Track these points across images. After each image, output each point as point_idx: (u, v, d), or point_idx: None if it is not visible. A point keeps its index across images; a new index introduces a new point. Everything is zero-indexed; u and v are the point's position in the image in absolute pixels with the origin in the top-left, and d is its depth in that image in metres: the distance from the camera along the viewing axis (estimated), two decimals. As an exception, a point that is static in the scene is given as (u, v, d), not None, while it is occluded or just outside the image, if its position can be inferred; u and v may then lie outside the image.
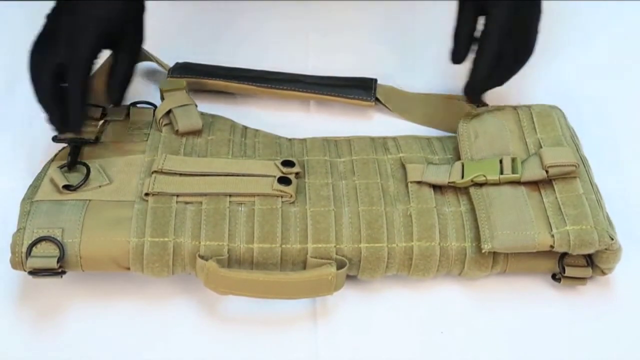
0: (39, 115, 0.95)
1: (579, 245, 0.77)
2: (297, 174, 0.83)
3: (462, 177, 0.82)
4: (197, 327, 0.80)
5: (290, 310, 0.80)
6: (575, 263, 0.80)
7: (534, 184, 0.82)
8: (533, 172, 0.81)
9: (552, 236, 0.77)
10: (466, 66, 0.85)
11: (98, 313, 0.80)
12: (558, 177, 0.81)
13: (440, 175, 0.83)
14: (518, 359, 0.78)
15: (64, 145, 0.87)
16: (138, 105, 0.90)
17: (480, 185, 0.82)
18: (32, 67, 0.82)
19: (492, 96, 0.93)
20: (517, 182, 0.82)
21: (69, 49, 0.80)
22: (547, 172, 0.81)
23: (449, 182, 0.82)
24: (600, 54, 1.05)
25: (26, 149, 0.93)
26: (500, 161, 0.83)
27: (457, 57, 0.87)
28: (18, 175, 0.89)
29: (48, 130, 0.89)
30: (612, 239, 0.77)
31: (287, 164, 0.84)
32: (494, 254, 0.80)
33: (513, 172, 0.81)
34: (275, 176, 0.82)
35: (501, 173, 0.82)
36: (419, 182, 0.83)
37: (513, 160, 0.82)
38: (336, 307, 0.81)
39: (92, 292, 0.81)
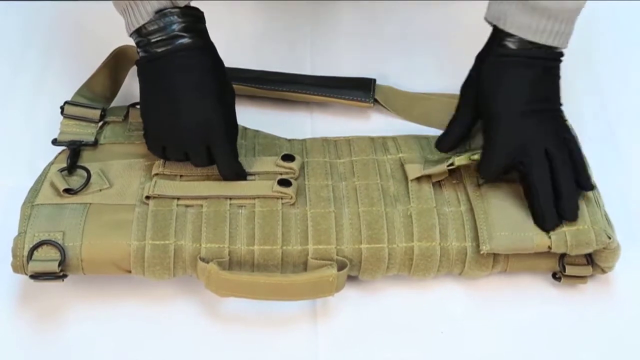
0: (39, 116, 0.97)
1: (577, 245, 0.77)
2: (296, 177, 0.83)
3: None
4: (198, 328, 0.80)
5: (291, 311, 0.81)
6: (575, 262, 0.80)
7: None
8: None
9: (550, 237, 0.77)
10: (466, 66, 0.84)
11: (99, 315, 0.80)
12: None
13: (438, 165, 0.83)
14: (519, 357, 0.79)
15: (64, 147, 0.87)
16: (137, 106, 0.90)
17: (479, 184, 0.82)
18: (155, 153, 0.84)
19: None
20: (515, 182, 0.82)
21: (183, 154, 0.81)
22: None
23: (447, 167, 0.82)
24: (600, 54, 1.05)
25: (26, 149, 0.93)
26: None
27: (443, 146, 0.85)
28: (18, 175, 0.89)
29: (48, 131, 0.90)
30: (610, 238, 0.77)
31: (287, 157, 0.84)
32: (495, 254, 0.80)
33: None
34: (275, 178, 0.82)
35: None
36: (419, 182, 0.83)
37: None
38: (337, 308, 0.81)
39: (93, 295, 0.81)
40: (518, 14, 0.77)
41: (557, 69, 0.81)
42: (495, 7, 0.79)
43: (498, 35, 0.80)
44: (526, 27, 0.77)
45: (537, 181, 0.78)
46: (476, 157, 0.81)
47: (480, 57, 0.82)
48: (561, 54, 0.81)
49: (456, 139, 0.83)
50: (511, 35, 0.79)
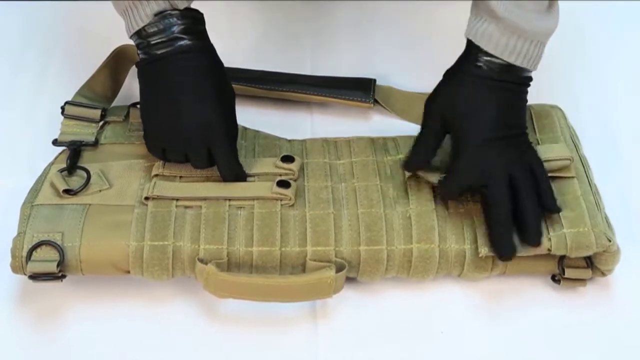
0: (39, 116, 0.96)
1: (576, 248, 0.77)
2: (295, 179, 0.83)
3: None
4: (197, 329, 0.80)
5: (290, 312, 0.81)
6: (575, 264, 0.80)
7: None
8: None
9: (549, 239, 0.77)
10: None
11: (98, 316, 0.80)
12: (556, 176, 0.81)
13: (433, 177, 0.82)
14: (518, 359, 0.78)
15: (64, 147, 0.87)
16: (138, 106, 0.90)
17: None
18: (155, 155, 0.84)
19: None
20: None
21: (183, 155, 0.81)
22: None
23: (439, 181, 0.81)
24: (601, 54, 1.05)
25: (26, 149, 0.94)
26: None
27: (409, 168, 0.83)
28: (18, 175, 0.89)
29: (48, 131, 0.90)
30: (610, 241, 0.77)
31: (287, 159, 0.84)
32: (494, 256, 0.80)
33: None
34: (274, 180, 0.82)
35: None
36: (418, 184, 0.83)
37: None
38: (336, 309, 0.81)
39: (91, 296, 0.81)
40: (495, 32, 0.77)
41: (525, 94, 0.81)
42: (473, 24, 0.79)
43: (471, 53, 0.79)
44: (500, 45, 0.77)
45: (497, 206, 0.77)
46: None
47: (450, 73, 0.81)
48: (530, 79, 0.81)
49: (422, 161, 0.81)
50: (484, 55, 0.78)
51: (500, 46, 0.77)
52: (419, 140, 0.82)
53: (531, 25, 0.77)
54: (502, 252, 0.77)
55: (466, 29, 0.79)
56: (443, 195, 0.81)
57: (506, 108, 0.79)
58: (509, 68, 0.78)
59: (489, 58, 0.78)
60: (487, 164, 0.77)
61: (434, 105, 0.81)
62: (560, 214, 0.79)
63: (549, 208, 0.78)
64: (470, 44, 0.79)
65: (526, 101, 0.82)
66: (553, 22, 0.80)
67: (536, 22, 0.77)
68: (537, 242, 0.77)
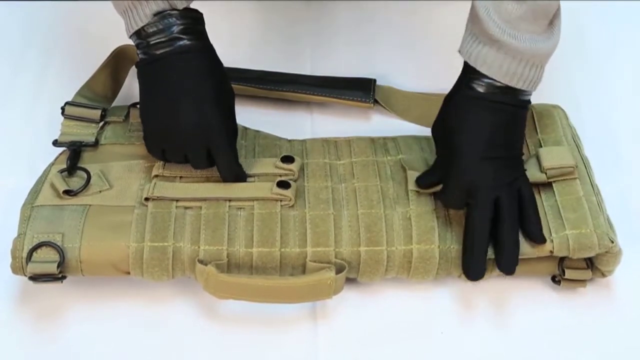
0: (39, 116, 0.96)
1: (579, 249, 0.77)
2: (295, 179, 0.83)
3: None
4: (197, 329, 0.80)
5: (290, 312, 0.81)
6: (575, 265, 0.80)
7: (534, 187, 0.81)
8: (533, 174, 0.81)
9: (552, 241, 0.77)
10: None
11: (98, 316, 0.80)
12: (558, 178, 0.81)
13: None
14: (518, 360, 0.79)
15: (64, 148, 0.87)
16: (138, 106, 0.90)
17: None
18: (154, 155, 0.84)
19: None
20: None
21: (183, 156, 0.81)
22: (546, 174, 0.81)
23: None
24: (601, 54, 1.05)
25: (26, 149, 0.94)
26: None
27: (422, 186, 0.83)
28: (18, 176, 0.89)
29: (48, 131, 0.90)
30: (612, 242, 0.77)
31: (287, 159, 0.84)
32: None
33: None
34: (274, 180, 0.82)
35: None
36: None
37: None
38: (336, 309, 0.81)
39: (91, 296, 0.81)
40: (491, 54, 0.76)
41: (524, 116, 0.80)
42: (469, 44, 0.78)
43: (467, 76, 0.79)
44: (497, 67, 0.76)
45: (475, 232, 0.77)
46: None
47: (448, 96, 0.81)
48: (528, 102, 0.80)
49: (434, 183, 0.81)
50: (481, 77, 0.77)
51: (495, 68, 0.76)
52: (435, 164, 0.82)
53: (529, 48, 0.75)
54: (470, 276, 0.78)
55: (461, 47, 0.79)
56: (445, 205, 0.81)
57: (501, 129, 0.78)
58: (507, 90, 0.77)
59: (485, 80, 0.77)
60: (475, 184, 0.77)
61: (437, 129, 0.82)
62: (563, 215, 0.79)
63: (532, 237, 0.78)
64: (466, 65, 0.79)
65: (524, 124, 0.81)
66: (552, 43, 0.78)
67: (534, 44, 0.76)
68: (509, 271, 0.77)
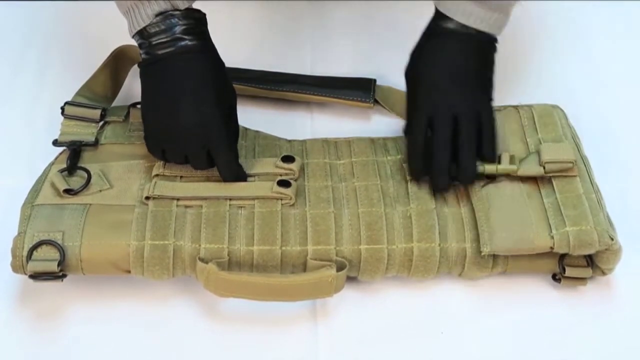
0: (39, 116, 0.97)
1: (579, 246, 0.77)
2: (296, 178, 0.83)
3: None
4: (197, 328, 0.80)
5: (290, 311, 0.81)
6: (575, 263, 0.80)
7: (534, 184, 0.82)
8: (531, 167, 0.81)
9: (552, 237, 0.77)
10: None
11: (98, 315, 0.80)
12: (557, 175, 0.81)
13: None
14: (518, 358, 0.78)
15: (64, 147, 0.87)
16: (138, 106, 0.90)
17: (481, 186, 0.82)
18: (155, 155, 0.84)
19: (494, 96, 0.92)
20: (517, 181, 0.82)
21: (183, 157, 0.82)
22: (544, 168, 0.81)
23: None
24: (601, 54, 1.05)
25: (26, 149, 0.94)
26: (499, 157, 0.83)
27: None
28: (18, 176, 0.89)
29: (48, 131, 0.90)
30: (612, 239, 0.77)
31: (287, 159, 0.84)
32: (494, 255, 0.80)
33: (511, 164, 0.82)
34: (274, 179, 0.82)
35: (499, 164, 0.82)
36: (418, 183, 0.83)
37: (511, 157, 0.83)
38: (336, 308, 0.81)
39: (92, 295, 0.81)
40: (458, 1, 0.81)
41: (491, 51, 0.85)
42: None
43: (436, 19, 0.84)
44: (460, 11, 0.81)
45: (439, 141, 0.81)
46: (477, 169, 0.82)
47: (419, 41, 0.86)
48: (495, 40, 0.85)
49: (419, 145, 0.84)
50: (448, 18, 0.82)
51: (459, 12, 0.81)
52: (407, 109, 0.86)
53: None
54: (439, 183, 0.82)
55: None
56: (410, 140, 0.84)
57: (469, 57, 0.83)
58: (472, 29, 0.82)
59: (450, 22, 0.82)
60: (442, 101, 0.82)
61: (406, 72, 0.86)
62: (563, 212, 0.79)
63: (487, 157, 0.82)
64: (436, 10, 0.84)
65: (491, 64, 0.85)
66: None
67: None
68: (468, 181, 0.82)
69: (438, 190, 0.82)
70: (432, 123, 0.82)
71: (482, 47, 0.84)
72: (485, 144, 0.82)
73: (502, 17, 0.83)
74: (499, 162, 0.82)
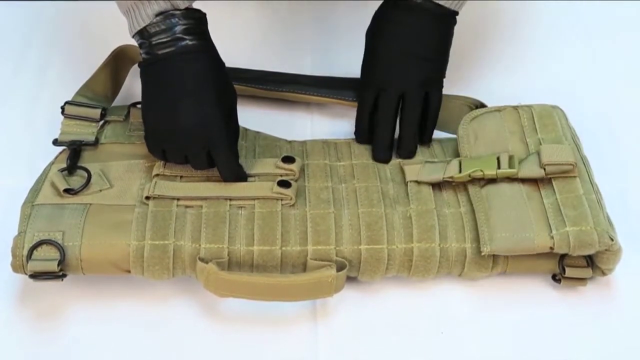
0: (39, 116, 0.97)
1: (579, 246, 0.77)
2: (296, 179, 0.84)
3: (460, 172, 0.82)
4: (197, 328, 0.80)
5: (290, 311, 0.81)
6: (575, 264, 0.80)
7: (534, 184, 0.82)
8: (531, 169, 0.81)
9: (552, 238, 0.77)
10: (466, 67, 0.84)
11: (98, 315, 0.80)
12: (557, 176, 0.81)
13: (437, 171, 0.84)
14: (518, 358, 0.78)
15: (64, 147, 0.87)
16: (138, 106, 0.90)
17: (481, 186, 0.82)
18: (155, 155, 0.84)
19: (494, 96, 0.93)
20: (517, 182, 0.82)
21: (183, 157, 0.82)
22: (544, 169, 0.81)
23: (444, 178, 0.83)
24: (601, 54, 1.05)
25: (26, 149, 0.94)
26: (498, 158, 0.83)
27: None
28: (18, 175, 0.89)
29: (48, 131, 0.90)
30: (612, 240, 0.77)
31: (287, 159, 0.84)
32: (494, 255, 0.80)
33: (510, 168, 0.82)
34: (275, 180, 0.82)
35: (498, 168, 0.82)
36: (418, 184, 0.83)
37: (510, 157, 0.83)
38: (336, 308, 0.81)
39: (92, 295, 0.81)
40: None
41: (450, 25, 0.87)
42: None
43: None
44: None
45: (381, 117, 0.87)
46: (476, 173, 0.82)
47: (378, 10, 0.88)
48: (455, 13, 0.86)
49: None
50: None
51: None
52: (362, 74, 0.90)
53: None
54: (378, 155, 0.87)
55: None
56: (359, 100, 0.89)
57: (426, 31, 0.86)
58: (431, 2, 0.84)
59: None
60: (387, 79, 0.86)
61: (366, 35, 0.89)
62: (563, 212, 0.79)
63: (422, 138, 0.89)
64: None
65: (448, 37, 0.87)
66: None
67: None
68: (406, 156, 0.87)
69: (378, 162, 0.87)
70: (379, 96, 0.87)
71: (443, 21, 0.86)
72: (427, 127, 0.89)
73: None
74: (499, 165, 0.82)
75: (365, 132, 0.89)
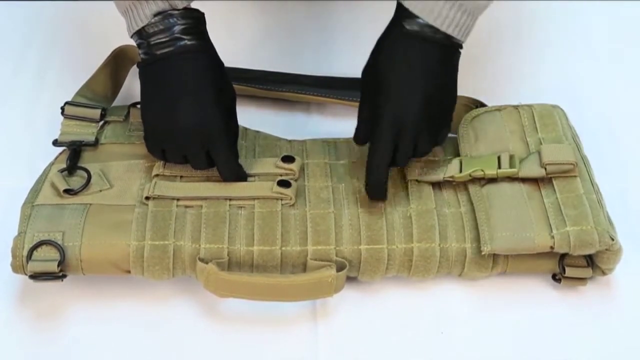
0: (39, 116, 0.97)
1: (579, 245, 0.77)
2: (296, 179, 0.84)
3: (461, 172, 0.82)
4: (197, 328, 0.80)
5: (290, 311, 0.81)
6: (575, 263, 0.80)
7: (535, 184, 0.82)
8: (531, 169, 0.81)
9: (552, 237, 0.77)
10: (465, 67, 0.84)
11: (98, 316, 0.80)
12: (558, 175, 0.81)
13: (438, 171, 0.84)
14: (518, 358, 0.78)
15: (64, 147, 0.87)
16: (138, 106, 0.90)
17: (481, 185, 0.82)
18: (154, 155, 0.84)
19: (494, 96, 0.93)
20: (517, 181, 0.82)
21: (182, 157, 0.81)
22: (545, 169, 0.81)
23: (445, 178, 0.83)
24: (601, 54, 1.05)
25: (26, 149, 0.94)
26: (499, 158, 0.83)
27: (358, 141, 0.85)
28: (18, 176, 0.89)
29: (48, 131, 0.90)
30: (613, 240, 0.77)
31: (287, 159, 0.84)
32: (494, 255, 0.80)
33: (511, 167, 0.82)
34: (274, 179, 0.82)
35: (499, 168, 0.82)
36: (418, 184, 0.83)
37: (511, 157, 0.83)
38: (336, 308, 0.81)
39: (92, 295, 0.81)
40: None
41: (456, 59, 0.81)
42: None
43: (400, 16, 0.79)
44: (428, 10, 0.77)
45: (377, 154, 0.79)
46: (477, 173, 0.82)
47: (380, 38, 0.82)
48: (460, 46, 0.80)
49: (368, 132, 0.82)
50: (412, 18, 0.78)
51: (425, 9, 0.77)
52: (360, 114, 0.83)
53: None
54: (370, 195, 0.80)
55: None
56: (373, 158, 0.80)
57: (432, 65, 0.79)
58: (437, 31, 0.78)
59: (414, 21, 0.78)
60: (401, 120, 0.78)
61: (365, 71, 0.82)
62: (563, 212, 0.79)
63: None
64: (399, 5, 0.80)
65: (456, 68, 0.81)
66: None
67: None
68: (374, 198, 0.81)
69: (377, 201, 0.81)
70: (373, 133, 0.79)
71: (450, 54, 0.80)
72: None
73: (471, 22, 0.79)
74: (499, 165, 0.82)
75: (383, 185, 0.80)
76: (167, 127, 0.80)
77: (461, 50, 0.81)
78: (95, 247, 0.77)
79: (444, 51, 0.79)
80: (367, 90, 0.82)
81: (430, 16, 0.77)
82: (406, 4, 0.78)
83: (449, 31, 0.78)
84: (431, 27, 0.77)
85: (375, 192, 0.80)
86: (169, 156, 0.82)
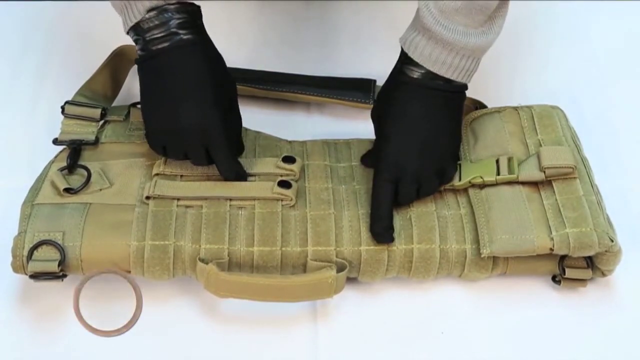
0: (39, 116, 0.97)
1: (579, 247, 0.77)
2: (296, 179, 0.84)
3: (460, 179, 0.82)
4: (197, 329, 0.80)
5: (290, 312, 0.81)
6: (575, 265, 0.80)
7: (534, 186, 0.82)
8: (531, 172, 0.81)
9: (552, 239, 0.77)
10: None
11: (98, 316, 0.80)
12: (557, 177, 0.81)
13: None
14: (518, 359, 0.78)
15: (64, 146, 0.87)
16: (138, 106, 0.90)
17: (480, 187, 0.82)
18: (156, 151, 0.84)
19: (494, 96, 0.93)
20: (516, 183, 0.82)
21: (183, 153, 0.81)
22: (544, 172, 0.81)
23: (445, 187, 0.83)
24: (601, 55, 1.05)
25: (26, 149, 0.94)
26: (497, 161, 0.83)
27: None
28: (18, 175, 0.89)
29: (48, 131, 0.90)
30: (612, 241, 0.77)
31: (288, 159, 0.84)
32: (494, 256, 0.80)
33: (510, 173, 0.82)
34: (275, 180, 0.82)
35: (498, 174, 0.82)
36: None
37: (509, 160, 0.83)
38: (336, 309, 0.81)
39: (92, 296, 0.81)
40: (422, 42, 0.78)
41: (459, 102, 0.82)
42: (407, 32, 0.80)
43: (403, 62, 0.81)
44: (427, 55, 0.78)
45: (380, 195, 0.80)
46: (476, 180, 0.82)
47: (385, 83, 0.84)
48: (464, 88, 0.81)
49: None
50: (415, 64, 0.79)
51: (425, 56, 0.78)
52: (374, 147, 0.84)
53: (459, 40, 0.77)
54: (376, 238, 0.79)
55: (402, 35, 0.81)
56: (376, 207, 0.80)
57: (434, 112, 0.80)
58: (439, 77, 0.79)
59: (419, 67, 0.79)
60: (401, 160, 0.79)
61: (373, 113, 0.85)
62: (563, 213, 0.79)
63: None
64: (402, 52, 0.81)
65: (461, 110, 0.83)
66: (488, 39, 0.79)
67: (466, 38, 0.77)
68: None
69: (383, 243, 0.79)
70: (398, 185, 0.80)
71: (452, 97, 0.81)
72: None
73: (473, 65, 0.80)
74: (498, 171, 0.82)
75: (389, 224, 0.79)
76: (167, 125, 0.80)
77: (466, 91, 0.82)
78: (95, 247, 0.77)
79: (445, 96, 0.80)
80: (375, 129, 0.84)
81: (429, 62, 0.78)
82: (407, 51, 0.79)
83: (451, 76, 0.79)
84: (432, 73, 0.79)
85: (381, 238, 0.79)
86: (170, 153, 0.82)
